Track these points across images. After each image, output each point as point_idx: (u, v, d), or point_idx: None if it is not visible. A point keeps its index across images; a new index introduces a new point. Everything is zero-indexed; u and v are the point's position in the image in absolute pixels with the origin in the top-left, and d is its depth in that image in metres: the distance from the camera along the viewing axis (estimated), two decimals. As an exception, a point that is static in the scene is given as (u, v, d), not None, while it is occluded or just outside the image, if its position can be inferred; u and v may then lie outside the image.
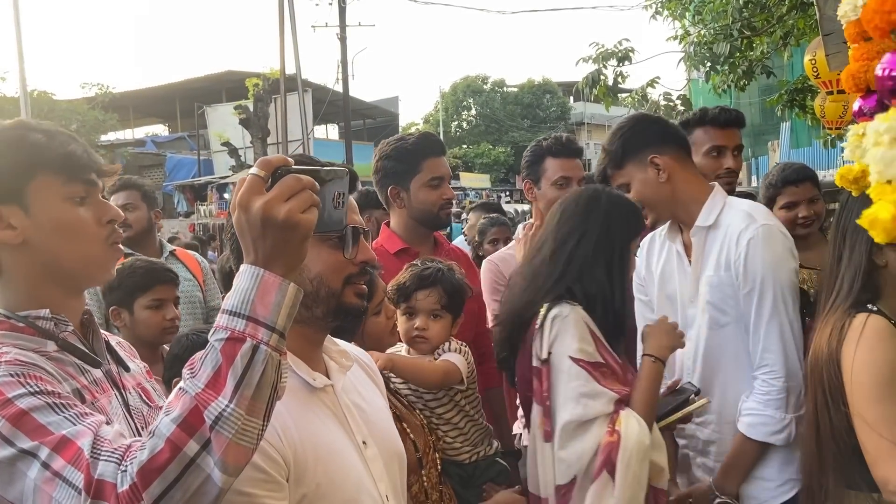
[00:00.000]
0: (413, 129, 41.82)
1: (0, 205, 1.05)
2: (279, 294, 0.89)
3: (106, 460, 0.88)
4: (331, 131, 28.48)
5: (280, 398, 0.94)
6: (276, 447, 1.06)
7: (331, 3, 17.06)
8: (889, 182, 1.46)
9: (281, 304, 0.89)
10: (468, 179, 31.07)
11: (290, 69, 16.31)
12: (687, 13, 7.24)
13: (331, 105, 20.41)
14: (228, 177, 17.54)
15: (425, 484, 1.61)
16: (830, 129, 6.23)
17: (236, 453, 0.87)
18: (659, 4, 7.34)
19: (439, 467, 1.71)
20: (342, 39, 17.26)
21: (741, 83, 7.22)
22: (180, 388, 0.89)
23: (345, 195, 1.01)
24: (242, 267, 0.91)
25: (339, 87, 18.20)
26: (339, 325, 1.23)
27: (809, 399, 1.75)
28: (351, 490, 1.14)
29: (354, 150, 18.05)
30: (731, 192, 2.40)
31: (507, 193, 30.77)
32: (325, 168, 1.00)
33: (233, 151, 18.08)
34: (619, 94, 6.46)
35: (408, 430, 1.63)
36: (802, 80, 8.63)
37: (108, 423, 0.97)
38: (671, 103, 6.71)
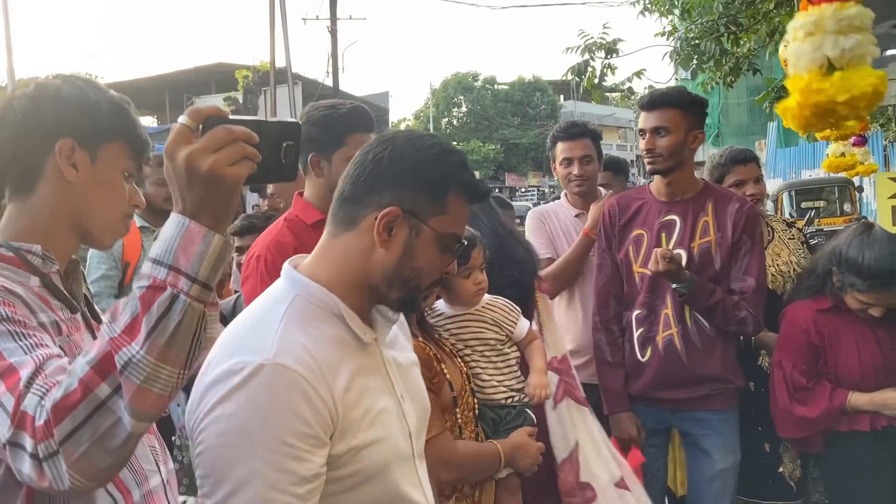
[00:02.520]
0: (403, 126, 41.88)
1: (78, 146, 1.18)
2: (203, 244, 0.88)
3: (33, 393, 0.92)
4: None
5: (206, 348, 0.95)
6: (325, 402, 1.04)
7: (322, -4, 17.03)
8: (798, 73, 1.56)
9: (204, 255, 0.88)
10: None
11: (281, 62, 16.28)
12: (675, 9, 7.28)
13: (320, 98, 20.38)
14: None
15: (459, 421, 1.72)
16: (825, 139, 6.30)
17: (146, 399, 0.87)
18: (647, 1, 7.38)
19: (476, 411, 1.84)
20: (332, 32, 17.26)
21: (728, 80, 7.28)
22: (101, 332, 0.91)
23: (295, 148, 0.99)
24: (171, 215, 0.91)
25: (329, 81, 18.19)
26: (398, 309, 1.22)
27: None
28: (393, 444, 1.15)
29: (344, 144, 18.04)
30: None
31: (497, 190, 30.85)
32: (271, 120, 0.98)
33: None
34: (607, 94, 6.49)
35: (445, 372, 1.73)
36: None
37: (61, 357, 1.01)
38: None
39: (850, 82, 1.50)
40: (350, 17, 24.16)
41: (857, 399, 2.23)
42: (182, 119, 0.91)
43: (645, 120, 2.49)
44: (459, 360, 1.91)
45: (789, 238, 2.78)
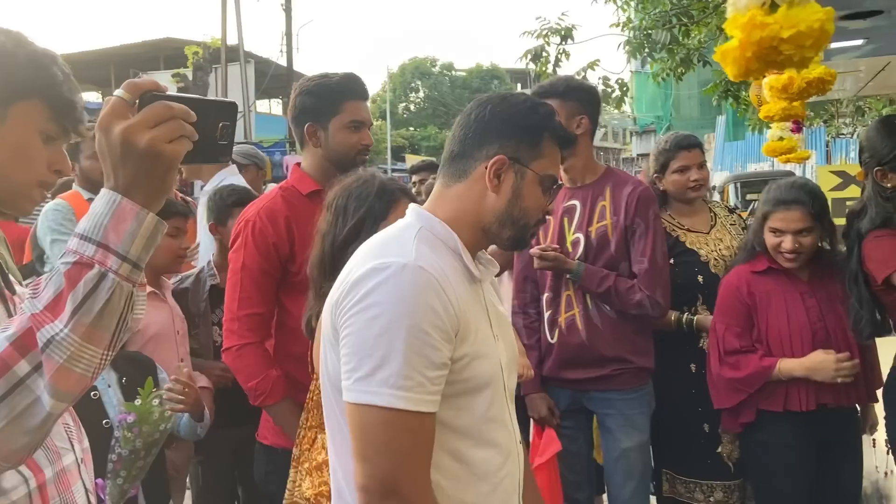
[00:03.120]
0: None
1: None
2: (135, 223, 0.86)
3: None
4: (274, 106, 27.90)
5: (132, 330, 0.94)
6: (452, 306, 1.17)
7: (277, -27, 16.68)
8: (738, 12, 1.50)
9: (136, 234, 0.86)
10: (414, 161, 30.95)
11: (233, 39, 15.91)
12: (630, 1, 7.35)
13: (274, 79, 19.98)
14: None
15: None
16: (768, 120, 6.45)
17: (67, 379, 0.85)
18: (603, -10, 7.43)
19: None
20: (287, 10, 16.93)
21: (679, 72, 7.39)
22: (23, 307, 0.86)
23: (231, 128, 0.98)
24: (102, 191, 0.88)
25: (283, 61, 17.86)
26: (509, 247, 1.38)
27: None
28: (496, 366, 1.28)
29: (297, 126, 17.77)
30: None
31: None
32: (208, 99, 0.97)
33: (170, 121, 17.57)
34: (561, 80, 6.51)
35: None
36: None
37: None
38: (608, 89, 6.81)
39: (795, 17, 1.43)
40: (306, -3, 23.67)
41: (787, 364, 2.26)
42: (118, 92, 0.88)
43: None
44: None
45: (731, 224, 2.83)
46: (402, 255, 1.18)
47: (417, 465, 1.15)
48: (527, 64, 6.42)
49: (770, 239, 2.35)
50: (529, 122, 1.30)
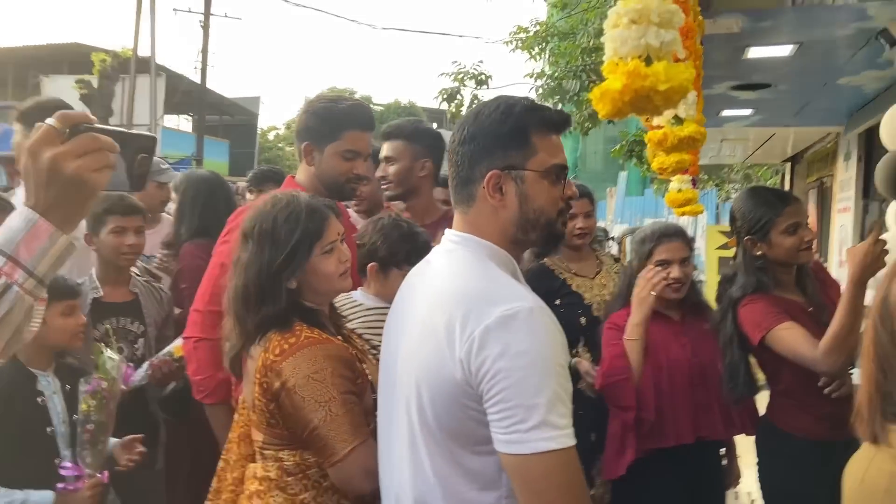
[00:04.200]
0: (272, 134, 40.89)
1: None
2: (49, 242, 0.91)
3: None
4: (183, 123, 27.11)
5: (25, 341, 0.96)
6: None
7: (197, -11, 16.38)
8: (621, 59, 1.65)
9: (47, 252, 0.91)
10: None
11: (145, 51, 15.42)
12: (543, 53, 7.69)
13: (185, 95, 19.48)
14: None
15: None
16: (662, 174, 6.83)
17: None
18: (519, 42, 7.75)
19: None
20: (205, 27, 16.59)
21: (586, 126, 7.75)
22: None
23: (148, 160, 1.04)
24: (21, 208, 0.92)
25: (197, 77, 17.44)
26: (545, 246, 1.42)
27: None
28: None
29: (207, 145, 17.30)
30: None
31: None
32: (131, 132, 1.03)
33: (69, 128, 16.71)
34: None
35: (367, 372, 1.62)
36: (640, 132, 9.43)
37: None
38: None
39: (671, 73, 1.60)
40: (225, 15, 23.38)
41: (630, 324, 2.37)
42: (50, 121, 0.93)
43: (382, 150, 2.62)
44: (372, 357, 1.74)
45: (615, 272, 2.96)
46: (519, 297, 1.21)
47: (586, 496, 1.22)
48: (440, 104, 6.57)
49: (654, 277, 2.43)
50: (507, 127, 1.31)
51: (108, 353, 2.12)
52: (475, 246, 1.33)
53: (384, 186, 2.57)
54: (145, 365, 2.46)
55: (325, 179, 2.24)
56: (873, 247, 2.09)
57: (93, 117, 0.97)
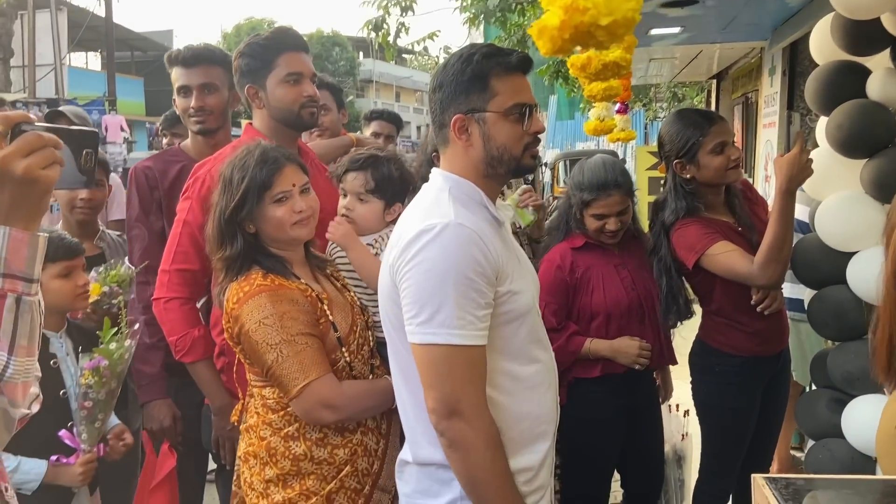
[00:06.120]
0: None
1: None
2: (31, 248, 0.96)
3: None
4: (92, 60, 25.49)
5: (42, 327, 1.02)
6: (491, 254, 1.39)
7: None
8: None
9: (35, 258, 0.97)
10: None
11: (41, -18, 14.26)
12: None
13: (91, 31, 18.24)
14: (-42, 100, 15.04)
15: (347, 359, 1.73)
16: (592, 101, 6.82)
17: (24, 389, 1.00)
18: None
19: (371, 345, 1.82)
20: (106, -45, 15.43)
21: (516, 48, 7.60)
22: None
23: (94, 155, 1.07)
24: None
25: (100, 11, 16.30)
26: (515, 177, 1.59)
27: None
28: (531, 297, 1.52)
29: (120, 84, 16.32)
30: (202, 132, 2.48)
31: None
32: (73, 127, 1.06)
33: (-35, 71, 15.51)
34: (403, 54, 6.52)
35: (329, 314, 1.72)
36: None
37: None
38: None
39: (613, 5, 1.54)
40: (128, -57, 21.72)
41: (596, 345, 2.36)
42: None
43: (188, 76, 2.37)
44: (350, 293, 1.87)
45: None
46: (444, 215, 1.39)
47: (474, 389, 1.38)
48: (368, 34, 6.32)
49: (592, 223, 2.40)
50: (467, 75, 1.45)
51: (117, 336, 2.03)
52: (441, 180, 1.50)
53: (199, 119, 2.37)
54: None
55: (279, 114, 2.13)
56: (799, 156, 2.11)
57: (32, 117, 0.99)
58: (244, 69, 2.13)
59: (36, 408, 1.08)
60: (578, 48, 2.11)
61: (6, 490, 1.27)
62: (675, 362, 2.60)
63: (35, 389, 1.09)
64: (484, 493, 1.39)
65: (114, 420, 2.18)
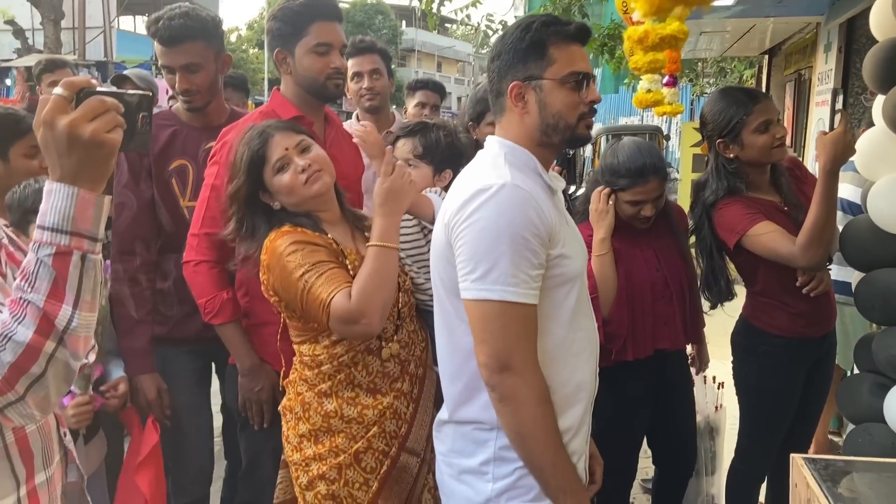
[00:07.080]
0: (234, 36, 39.22)
1: None
2: (97, 209, 1.01)
3: None
4: (139, 25, 25.80)
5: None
6: (545, 216, 1.41)
7: None
8: None
9: (100, 217, 1.02)
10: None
11: (91, -55, 14.40)
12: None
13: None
14: (11, 60, 15.37)
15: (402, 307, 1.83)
16: (637, 72, 6.69)
17: (85, 342, 1.04)
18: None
19: (399, 306, 1.85)
20: (155, -80, 15.49)
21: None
22: (22, 298, 0.99)
23: (149, 118, 1.10)
24: (53, 185, 0.99)
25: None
26: (571, 147, 1.60)
27: None
28: (581, 263, 1.54)
29: (165, 48, 16.48)
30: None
31: (338, 104, 29.96)
32: (129, 92, 1.07)
33: (18, 32, 15.74)
34: (445, 24, 6.45)
35: (349, 266, 1.76)
36: (614, 26, 9.15)
37: None
38: (490, 29, 6.80)
39: None
40: None
41: (596, 250, 2.32)
42: (58, 90, 0.99)
43: (169, 57, 2.27)
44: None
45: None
46: (500, 176, 1.41)
47: (526, 345, 1.40)
48: (411, 1, 6.27)
49: (627, 209, 2.35)
50: (525, 42, 1.47)
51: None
52: (496, 146, 1.52)
53: (188, 100, 2.30)
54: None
55: (304, 83, 2.14)
56: (843, 135, 2.05)
57: (94, 81, 1.03)
58: (275, 32, 2.13)
59: (92, 357, 1.13)
60: (678, 9, 2.06)
61: (64, 435, 1.33)
62: (697, 341, 2.56)
63: (92, 340, 1.13)
64: (533, 447, 1.41)
65: (118, 372, 2.18)
